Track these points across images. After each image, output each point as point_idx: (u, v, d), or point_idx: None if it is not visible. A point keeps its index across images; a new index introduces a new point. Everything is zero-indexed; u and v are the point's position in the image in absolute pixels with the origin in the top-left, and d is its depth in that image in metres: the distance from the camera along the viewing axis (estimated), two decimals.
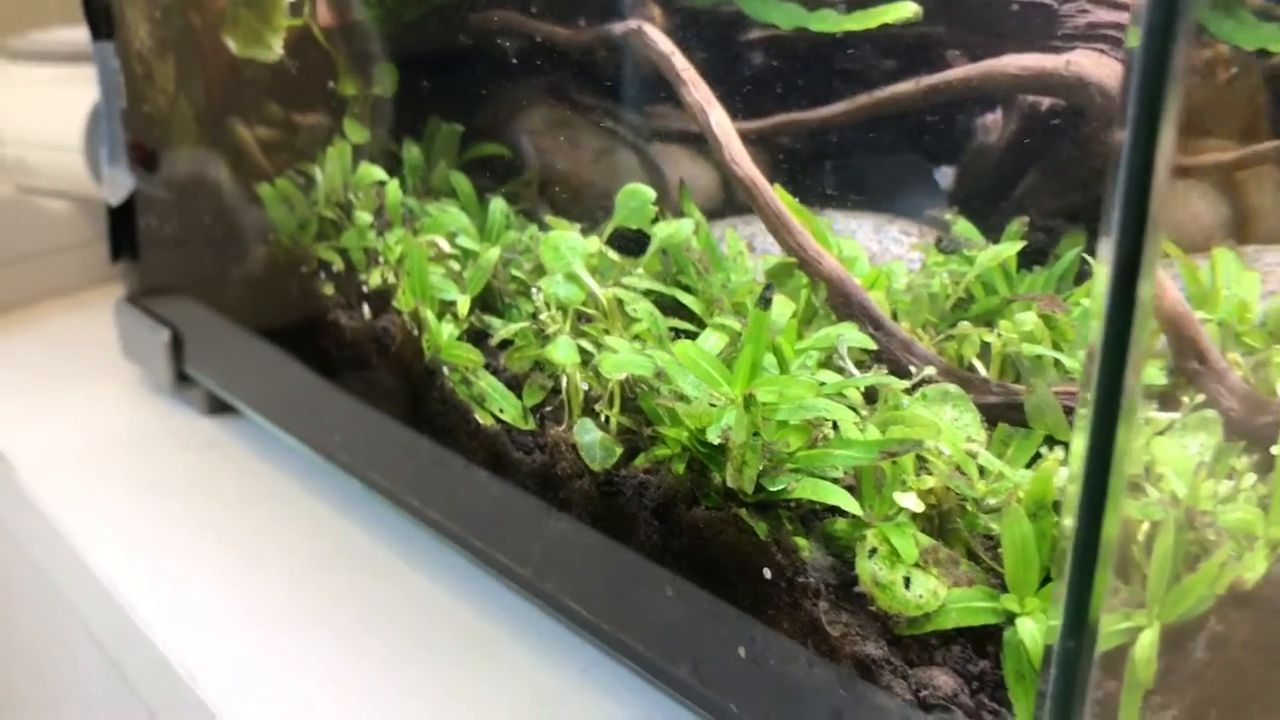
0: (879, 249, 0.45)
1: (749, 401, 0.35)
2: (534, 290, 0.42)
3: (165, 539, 0.57)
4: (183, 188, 0.65)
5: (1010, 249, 0.40)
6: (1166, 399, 0.36)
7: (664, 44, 0.41)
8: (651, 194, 0.41)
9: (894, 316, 0.40)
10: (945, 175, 0.48)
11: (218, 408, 0.70)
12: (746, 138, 0.47)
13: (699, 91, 0.40)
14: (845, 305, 0.39)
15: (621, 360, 0.39)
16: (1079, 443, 0.27)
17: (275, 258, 0.57)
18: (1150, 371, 0.36)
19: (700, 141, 0.46)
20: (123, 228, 0.72)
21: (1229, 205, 0.50)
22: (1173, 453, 0.34)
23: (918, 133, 0.47)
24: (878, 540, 0.33)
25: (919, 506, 0.33)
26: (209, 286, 0.65)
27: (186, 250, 0.67)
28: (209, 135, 0.61)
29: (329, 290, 0.53)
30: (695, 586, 0.38)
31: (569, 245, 0.41)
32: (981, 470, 0.34)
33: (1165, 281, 0.38)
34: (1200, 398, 0.36)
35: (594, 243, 0.42)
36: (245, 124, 0.57)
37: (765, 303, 0.36)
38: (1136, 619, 0.32)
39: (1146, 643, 0.31)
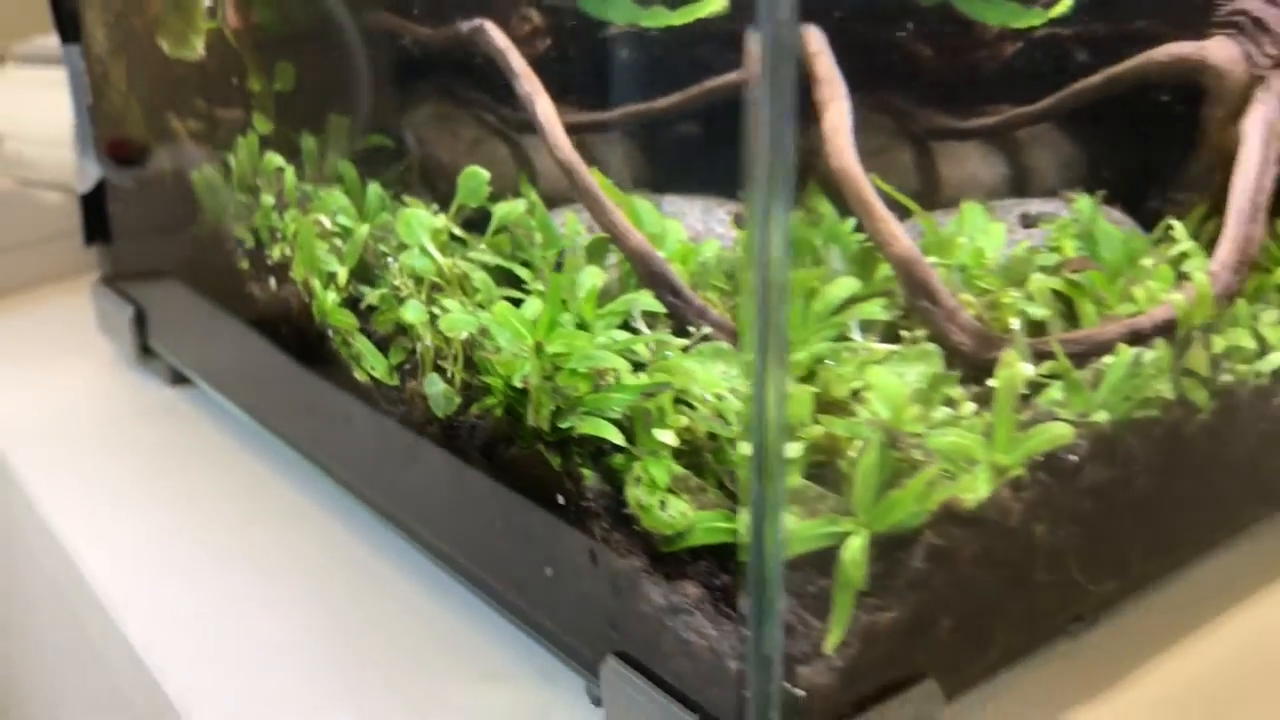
0: (704, 228, 0.50)
1: (539, 350, 0.41)
2: (391, 260, 0.48)
3: (115, 493, 0.64)
4: (138, 177, 0.71)
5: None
6: (903, 334, 0.41)
7: (500, 40, 0.46)
8: (486, 175, 0.46)
9: (695, 287, 0.45)
10: None
11: (180, 379, 0.76)
12: (595, 127, 0.52)
13: (529, 83, 0.45)
14: (649, 275, 0.44)
15: (455, 319, 0.45)
16: (750, 374, 0.32)
17: (208, 239, 0.63)
18: (873, 308, 0.41)
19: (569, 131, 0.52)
20: (95, 214, 0.78)
21: (1006, 164, 0.55)
22: (886, 380, 0.39)
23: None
24: (641, 470, 0.39)
25: (675, 441, 0.38)
26: (164, 267, 0.71)
27: (145, 234, 0.73)
28: (155, 129, 0.67)
29: (245, 265, 0.59)
30: (515, 516, 0.44)
31: (419, 221, 0.47)
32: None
33: (897, 231, 0.43)
34: (923, 332, 0.41)
35: (441, 220, 0.47)
36: (180, 118, 0.64)
37: (558, 267, 0.41)
38: (844, 525, 0.37)
39: (854, 547, 0.36)
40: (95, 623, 0.57)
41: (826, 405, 0.40)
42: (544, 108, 0.45)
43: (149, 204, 0.71)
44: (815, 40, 0.49)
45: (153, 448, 0.68)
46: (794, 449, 0.38)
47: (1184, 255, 0.49)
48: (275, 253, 0.56)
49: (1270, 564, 0.53)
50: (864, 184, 0.45)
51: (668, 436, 0.39)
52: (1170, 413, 0.46)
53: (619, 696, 0.39)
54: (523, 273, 0.46)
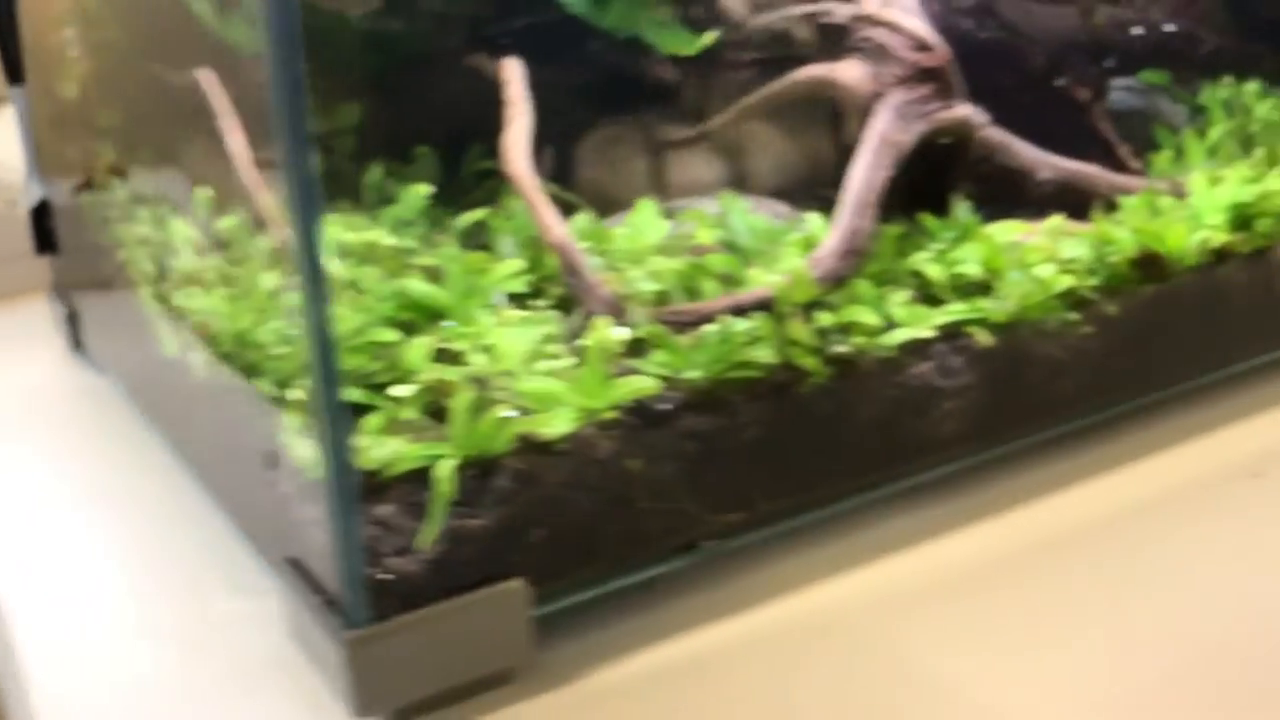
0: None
1: (233, 320, 0.53)
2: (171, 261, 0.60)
3: (16, 451, 0.77)
4: (63, 197, 0.85)
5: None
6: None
7: (210, 87, 0.57)
8: (209, 194, 0.58)
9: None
10: None
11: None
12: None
13: (225, 121, 0.56)
14: None
15: (198, 303, 0.57)
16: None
17: (98, 250, 0.76)
18: (516, 283, 0.53)
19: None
20: (43, 229, 0.93)
21: (724, 166, 0.65)
22: (506, 339, 0.50)
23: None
24: (291, 418, 0.50)
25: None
26: (83, 275, 0.85)
27: (72, 247, 0.87)
28: (66, 156, 0.81)
29: (110, 269, 0.72)
30: (241, 457, 0.56)
31: (180, 232, 0.59)
32: None
33: (553, 222, 0.54)
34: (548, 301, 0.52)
35: (191, 230, 0.59)
36: (75, 146, 0.77)
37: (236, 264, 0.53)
38: (439, 449, 0.48)
39: (445, 466, 0.47)
40: None
41: (455, 358, 0.51)
42: (235, 142, 0.56)
43: (70, 221, 0.85)
44: (510, 70, 0.60)
45: (63, 416, 0.82)
46: (407, 390, 0.49)
47: (812, 242, 0.59)
48: (120, 256, 0.69)
49: (922, 523, 0.61)
50: (530, 185, 0.56)
51: (298, 395, 0.50)
52: (776, 375, 0.55)
53: (288, 590, 0.51)
54: (238, 271, 0.57)
